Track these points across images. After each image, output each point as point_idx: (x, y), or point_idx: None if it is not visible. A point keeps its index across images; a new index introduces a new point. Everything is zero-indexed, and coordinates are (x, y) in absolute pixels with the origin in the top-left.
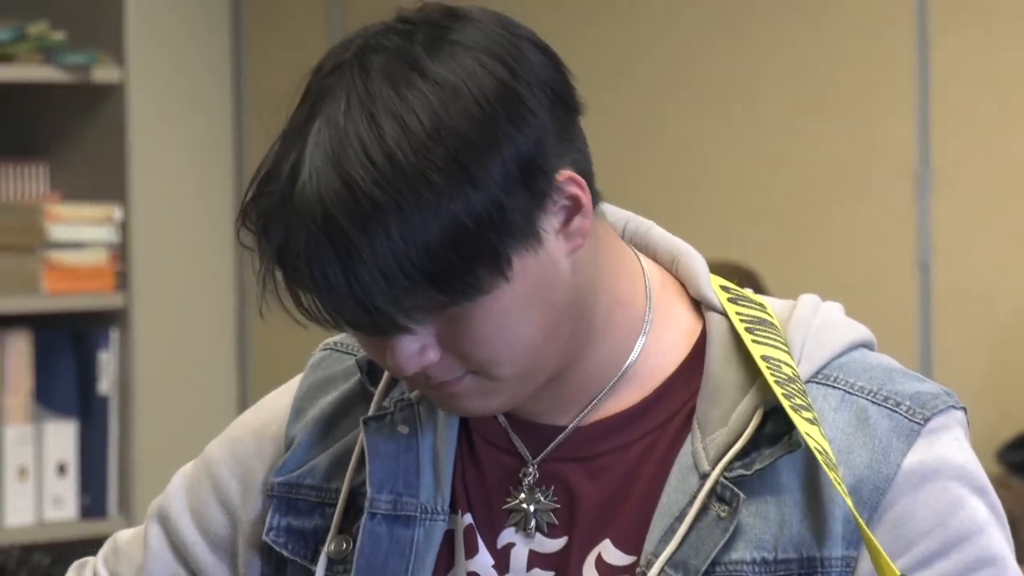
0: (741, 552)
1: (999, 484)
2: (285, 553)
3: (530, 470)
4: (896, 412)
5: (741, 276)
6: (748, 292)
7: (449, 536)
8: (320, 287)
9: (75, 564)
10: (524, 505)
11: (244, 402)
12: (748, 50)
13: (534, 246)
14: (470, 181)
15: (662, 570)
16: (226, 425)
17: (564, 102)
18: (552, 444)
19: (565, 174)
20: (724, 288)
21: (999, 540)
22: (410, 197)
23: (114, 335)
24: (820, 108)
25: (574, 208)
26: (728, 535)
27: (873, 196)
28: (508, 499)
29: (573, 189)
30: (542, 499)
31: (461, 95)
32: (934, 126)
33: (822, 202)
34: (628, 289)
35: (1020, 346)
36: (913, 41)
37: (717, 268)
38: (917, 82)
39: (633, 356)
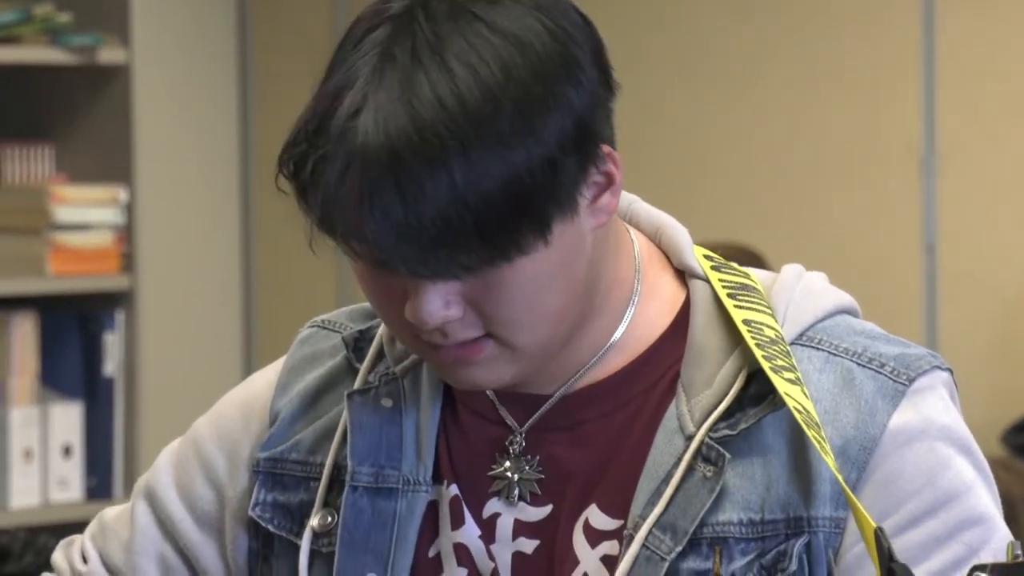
0: (728, 513)
1: (1004, 467)
2: (271, 528)
3: (517, 438)
4: (881, 373)
5: (746, 257)
6: (732, 264)
7: (433, 507)
8: (379, 224)
9: (63, 543)
10: (508, 474)
11: None
12: (753, 34)
13: (571, 215)
14: (532, 134)
15: (650, 532)
16: None
17: (607, 77)
18: (538, 413)
19: (607, 148)
20: (707, 257)
21: (986, 499)
22: (477, 142)
23: (119, 317)
24: (825, 92)
25: (606, 184)
26: (714, 495)
27: (879, 179)
28: (493, 466)
29: (610, 165)
30: (527, 468)
31: (528, 49)
32: (939, 110)
33: (828, 185)
34: (623, 266)
35: None
36: (919, 24)
37: (722, 249)
38: (922, 65)
39: (621, 329)
